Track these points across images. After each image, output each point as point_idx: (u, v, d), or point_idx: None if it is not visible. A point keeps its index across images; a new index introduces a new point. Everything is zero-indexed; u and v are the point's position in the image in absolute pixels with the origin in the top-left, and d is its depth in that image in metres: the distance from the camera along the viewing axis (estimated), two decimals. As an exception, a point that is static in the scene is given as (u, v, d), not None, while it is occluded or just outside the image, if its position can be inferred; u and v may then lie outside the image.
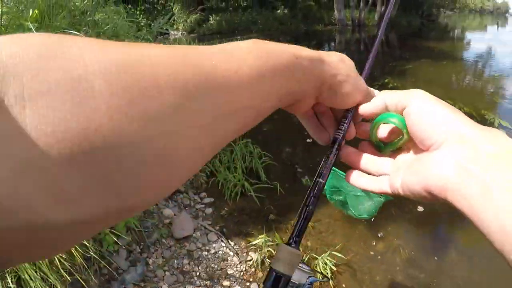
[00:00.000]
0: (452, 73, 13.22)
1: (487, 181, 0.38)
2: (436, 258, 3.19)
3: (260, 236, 3.10)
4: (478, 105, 8.88)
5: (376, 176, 0.54)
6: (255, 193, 3.69)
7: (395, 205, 3.79)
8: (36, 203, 0.25)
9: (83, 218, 0.27)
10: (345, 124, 0.56)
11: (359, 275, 3.00)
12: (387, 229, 3.51)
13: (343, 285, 2.89)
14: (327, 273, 2.82)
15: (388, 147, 0.55)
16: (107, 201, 0.28)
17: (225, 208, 3.59)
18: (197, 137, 0.33)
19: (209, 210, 3.52)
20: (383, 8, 23.58)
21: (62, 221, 0.26)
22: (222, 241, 3.12)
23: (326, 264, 2.89)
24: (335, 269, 2.91)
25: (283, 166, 4.43)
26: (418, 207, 3.76)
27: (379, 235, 3.43)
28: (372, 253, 3.23)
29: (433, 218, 3.68)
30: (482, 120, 7.39)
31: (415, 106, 0.48)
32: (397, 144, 0.53)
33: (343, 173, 0.83)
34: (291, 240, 0.54)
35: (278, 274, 0.52)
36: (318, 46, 15.77)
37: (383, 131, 0.55)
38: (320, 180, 0.55)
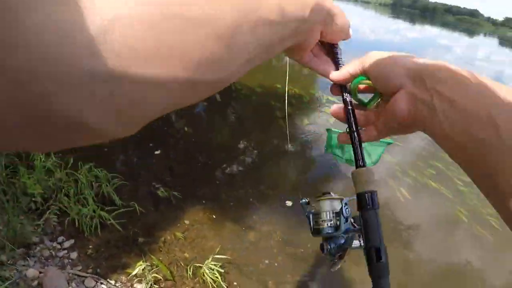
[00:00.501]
0: (275, 59, 14.49)
1: (432, 102, 0.52)
2: (309, 235, 3.60)
3: (138, 264, 3.07)
4: (305, 84, 10.15)
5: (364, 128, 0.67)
6: (115, 220, 3.52)
7: (258, 199, 4.15)
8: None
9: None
10: (339, 57, 0.72)
11: (245, 268, 3.22)
12: (252, 220, 3.81)
13: (235, 283, 3.05)
14: (217, 278, 2.94)
15: (370, 103, 0.68)
16: None
17: (90, 246, 3.32)
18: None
19: (74, 254, 3.16)
20: None
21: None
22: (101, 283, 2.93)
23: (212, 269, 3.01)
24: (222, 271, 3.05)
25: (135, 182, 4.32)
26: (287, 201, 4.08)
27: (247, 226, 3.70)
28: (247, 244, 3.47)
29: (299, 210, 4.05)
30: (312, 99, 8.63)
31: (370, 65, 0.64)
32: (375, 98, 0.66)
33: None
34: (359, 163, 0.64)
35: (372, 193, 0.61)
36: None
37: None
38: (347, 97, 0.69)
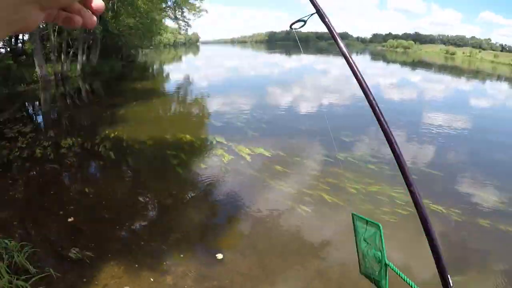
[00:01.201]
0: (161, 107, 15.30)
1: None
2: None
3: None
4: (193, 128, 10.63)
5: None
6: (33, 287, 3.71)
7: (168, 247, 4.49)
8: None
9: None
10: None
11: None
12: (166, 265, 4.14)
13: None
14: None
15: None
16: None
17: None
18: None
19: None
20: (84, 58, 23.85)
21: None
22: None
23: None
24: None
25: (47, 249, 4.50)
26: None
27: (162, 271, 4.01)
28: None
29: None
30: (204, 143, 9.13)
31: None
32: None
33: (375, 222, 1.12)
34: None
35: None
36: (22, 108, 14.72)
37: None
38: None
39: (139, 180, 7.04)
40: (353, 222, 1.18)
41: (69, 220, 5.15)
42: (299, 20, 1.04)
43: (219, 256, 4.48)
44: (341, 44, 1.00)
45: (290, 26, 1.07)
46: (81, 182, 6.76)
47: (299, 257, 4.61)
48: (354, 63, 0.96)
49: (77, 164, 7.69)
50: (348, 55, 1.00)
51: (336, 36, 1.02)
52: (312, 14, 1.03)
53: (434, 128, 12.05)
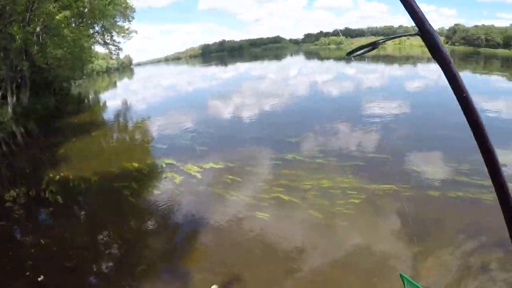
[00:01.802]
0: (103, 139, 14.90)
1: None
2: None
3: None
4: (138, 155, 10.54)
5: None
6: None
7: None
8: None
9: None
10: None
11: None
12: None
13: None
14: None
15: None
16: None
17: None
18: None
19: None
20: (14, 98, 22.64)
21: None
22: None
23: None
24: None
25: None
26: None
27: None
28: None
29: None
30: (152, 168, 9.12)
31: None
32: None
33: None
34: None
35: None
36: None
37: None
38: None
39: (95, 219, 6.88)
40: (403, 282, 1.21)
41: (39, 279, 4.88)
42: (360, 48, 0.90)
43: (190, 277, 4.57)
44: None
45: (348, 54, 0.94)
46: (35, 233, 6.47)
47: (266, 262, 4.79)
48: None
49: (27, 215, 7.37)
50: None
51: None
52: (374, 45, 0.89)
53: (375, 115, 12.79)
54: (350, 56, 0.91)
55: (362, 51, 0.88)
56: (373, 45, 0.86)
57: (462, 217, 5.50)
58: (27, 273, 5.12)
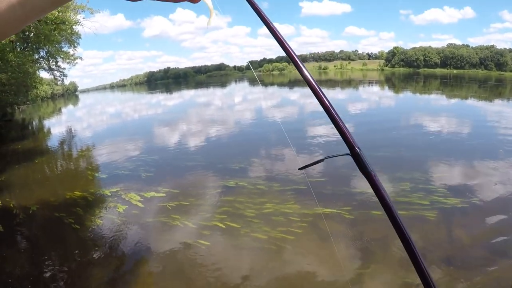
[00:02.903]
0: (46, 166, 14.45)
1: None
2: None
3: None
4: (82, 184, 10.43)
5: None
6: None
7: None
8: None
9: None
10: None
11: None
12: None
13: None
14: None
15: None
16: None
17: None
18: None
19: None
20: None
21: None
22: None
23: None
24: None
25: None
26: None
27: None
28: None
29: None
30: (95, 197, 9.06)
31: None
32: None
33: None
34: None
35: None
36: None
37: None
38: None
39: (38, 248, 6.67)
40: None
41: None
42: (311, 164, 1.01)
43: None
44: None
45: (300, 169, 1.04)
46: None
47: None
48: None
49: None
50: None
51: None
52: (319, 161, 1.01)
53: (318, 137, 13.45)
54: (302, 169, 1.02)
55: (312, 164, 1.00)
56: (321, 161, 0.99)
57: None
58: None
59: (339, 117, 0.98)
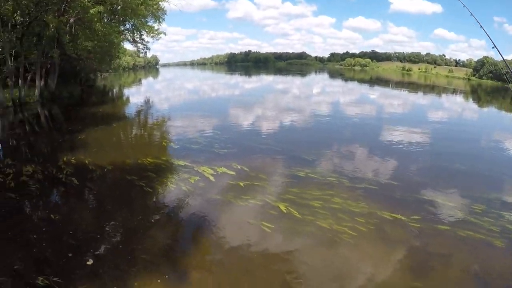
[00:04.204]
0: (122, 131, 15.20)
1: None
2: None
3: None
4: (155, 152, 10.69)
5: None
6: None
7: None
8: None
9: None
10: None
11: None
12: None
13: None
14: None
15: None
16: None
17: None
18: None
19: None
20: (42, 82, 23.32)
21: None
22: None
23: None
24: None
25: (11, 276, 4.44)
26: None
27: None
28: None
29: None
30: (166, 166, 9.27)
31: None
32: None
33: None
34: None
35: None
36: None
37: None
38: None
39: (104, 205, 7.00)
40: None
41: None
42: None
43: (187, 274, 4.63)
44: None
45: None
46: (45, 209, 6.65)
47: (265, 271, 4.80)
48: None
49: (40, 191, 7.50)
50: None
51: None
52: None
53: (395, 142, 12.75)
54: None
55: None
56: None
57: (470, 257, 5.39)
58: (31, 247, 5.23)
59: None
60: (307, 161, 9.77)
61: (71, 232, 5.68)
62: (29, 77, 22.90)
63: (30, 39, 22.60)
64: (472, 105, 34.07)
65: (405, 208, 6.82)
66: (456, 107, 28.94)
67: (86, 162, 9.37)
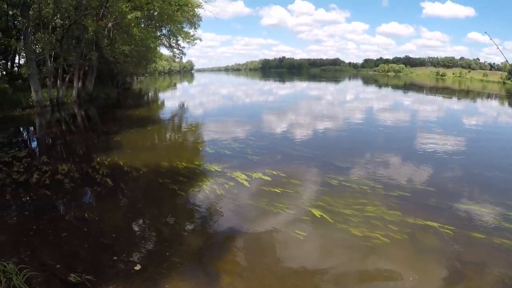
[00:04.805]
0: (157, 135, 15.49)
1: None
2: None
3: None
4: (188, 156, 10.69)
5: None
6: None
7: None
8: None
9: None
10: None
11: None
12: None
13: None
14: None
15: None
16: None
17: None
18: None
19: None
20: (80, 84, 24.10)
21: None
22: None
23: None
24: None
25: (45, 272, 4.47)
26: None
27: None
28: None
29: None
30: (200, 170, 9.30)
31: None
32: None
33: None
34: None
35: None
36: (17, 133, 14.90)
37: None
38: None
39: (137, 207, 7.04)
40: None
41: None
42: None
43: (218, 278, 4.54)
44: None
45: None
46: (79, 208, 6.76)
47: (296, 279, 4.65)
48: None
49: (74, 189, 7.69)
50: None
51: None
52: None
53: (429, 149, 12.30)
54: None
55: None
56: None
57: (506, 266, 5.09)
58: (64, 244, 5.31)
59: None
60: (340, 168, 9.54)
61: (103, 232, 5.75)
62: (67, 78, 23.79)
63: (69, 41, 23.60)
64: (508, 109, 32.79)
65: (439, 216, 6.61)
66: (492, 112, 27.87)
67: (121, 163, 9.55)
